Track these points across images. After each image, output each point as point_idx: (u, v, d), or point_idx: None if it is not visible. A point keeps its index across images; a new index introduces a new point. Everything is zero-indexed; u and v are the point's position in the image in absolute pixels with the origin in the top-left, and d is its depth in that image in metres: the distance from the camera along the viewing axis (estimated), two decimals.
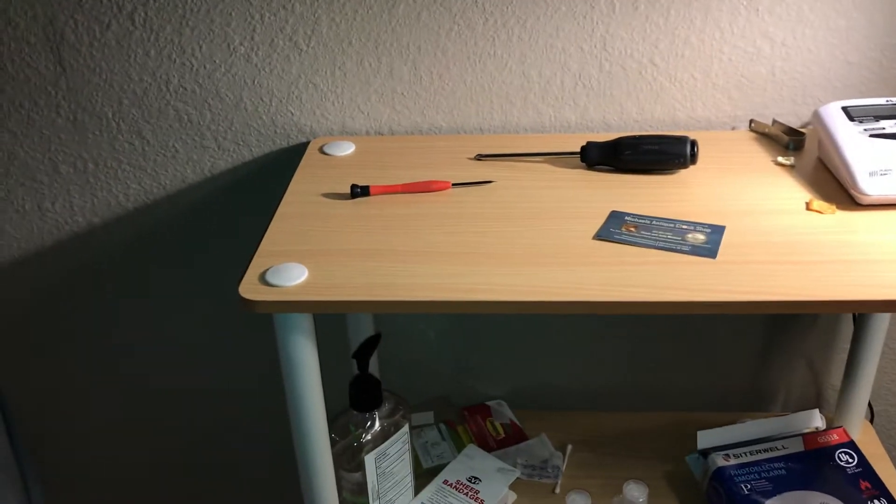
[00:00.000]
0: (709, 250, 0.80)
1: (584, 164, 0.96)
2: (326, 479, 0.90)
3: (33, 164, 1.12)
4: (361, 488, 1.00)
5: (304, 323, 0.79)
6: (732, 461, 1.06)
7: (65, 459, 1.37)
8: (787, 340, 1.21)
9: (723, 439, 1.10)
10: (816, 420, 1.12)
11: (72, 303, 1.22)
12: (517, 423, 1.22)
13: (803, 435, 1.09)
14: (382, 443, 0.99)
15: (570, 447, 1.17)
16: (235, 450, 1.34)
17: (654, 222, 0.85)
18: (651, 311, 0.74)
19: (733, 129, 1.07)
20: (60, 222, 1.16)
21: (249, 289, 0.77)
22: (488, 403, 1.25)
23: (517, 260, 0.80)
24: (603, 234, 0.83)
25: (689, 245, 0.81)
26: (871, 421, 1.22)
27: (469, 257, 0.81)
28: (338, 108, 1.07)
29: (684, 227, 0.84)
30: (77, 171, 1.12)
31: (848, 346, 1.15)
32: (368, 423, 0.99)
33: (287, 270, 0.79)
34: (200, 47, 1.03)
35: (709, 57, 1.02)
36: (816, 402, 1.26)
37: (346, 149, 1.03)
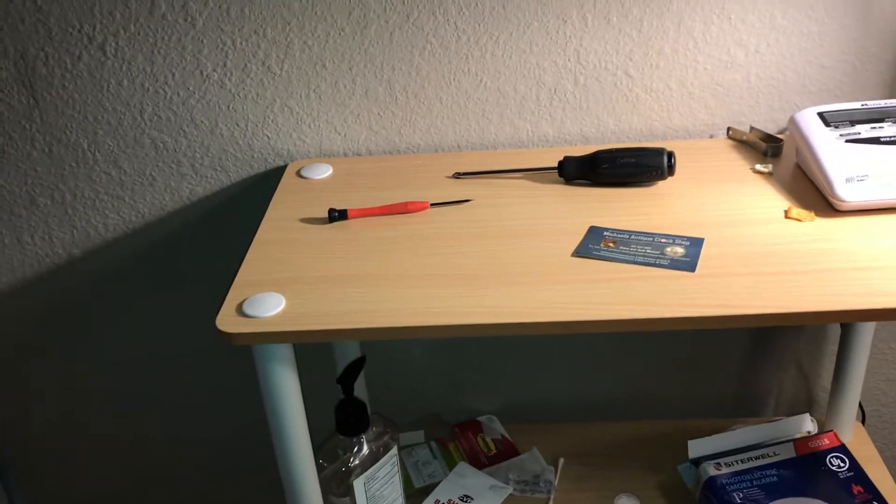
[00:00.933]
0: (688, 264, 0.79)
1: (562, 178, 0.96)
2: None
3: (10, 197, 1.11)
4: None
5: (284, 352, 0.78)
6: (724, 470, 1.05)
7: (55, 494, 1.36)
8: (776, 345, 1.21)
9: (714, 448, 1.09)
10: (807, 424, 1.12)
11: (54, 334, 1.21)
12: (508, 438, 1.21)
13: (794, 440, 1.09)
14: (371, 466, 0.99)
15: (561, 461, 1.17)
16: (222, 478, 1.33)
17: (632, 237, 0.84)
18: (631, 329, 0.73)
19: (711, 137, 1.06)
20: (41, 255, 1.15)
21: (227, 321, 0.76)
22: (479, 419, 1.25)
23: (496, 280, 0.79)
24: (582, 251, 0.83)
25: (668, 259, 0.80)
26: (863, 422, 1.22)
27: (448, 279, 0.80)
28: (314, 131, 1.06)
29: (663, 240, 0.83)
30: (55, 202, 1.12)
31: (836, 348, 1.15)
32: (356, 447, 0.98)
33: (264, 300, 0.78)
34: (173, 75, 1.02)
35: (683, 66, 1.02)
36: (807, 405, 1.26)
37: (323, 171, 1.02)
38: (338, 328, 0.75)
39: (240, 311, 0.77)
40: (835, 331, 1.19)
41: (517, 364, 1.24)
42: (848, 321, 0.80)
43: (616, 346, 1.22)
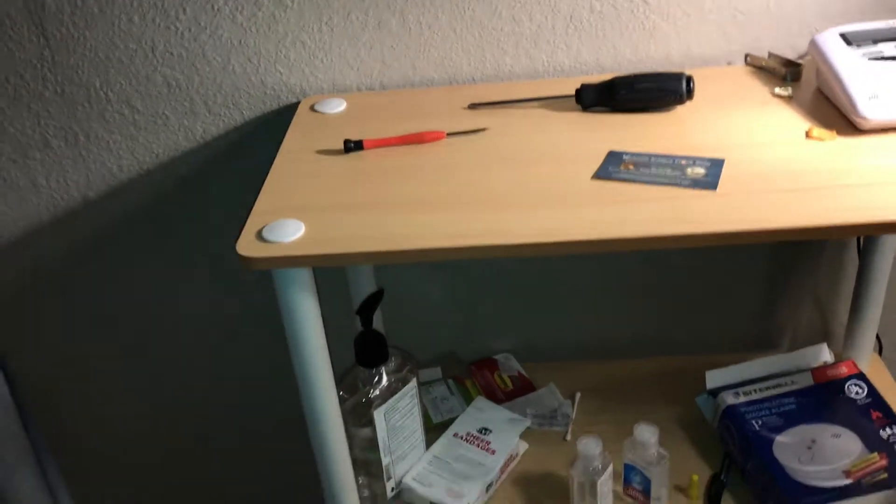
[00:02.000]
0: (709, 183, 0.79)
1: (579, 106, 0.95)
2: (336, 434, 0.90)
3: (24, 139, 1.11)
4: (372, 444, 1.00)
5: (304, 278, 0.78)
6: (742, 399, 1.06)
7: (75, 429, 1.38)
8: (793, 278, 1.21)
9: (732, 378, 1.10)
10: (825, 355, 1.12)
11: (72, 277, 1.22)
12: (525, 374, 1.22)
13: (812, 370, 1.09)
14: (391, 398, 0.99)
15: (578, 395, 1.17)
16: (243, 415, 1.35)
17: (652, 159, 0.84)
18: (655, 247, 0.73)
19: (729, 64, 1.05)
20: (56, 198, 1.15)
21: (247, 246, 0.76)
22: (495, 357, 1.25)
23: (516, 205, 0.79)
24: (602, 174, 0.82)
25: (688, 179, 0.80)
26: (880, 353, 1.22)
27: (467, 205, 0.80)
28: (327, 66, 1.05)
29: (683, 161, 0.83)
30: (69, 144, 1.11)
31: (853, 282, 1.15)
32: (376, 379, 0.99)
33: (284, 226, 0.78)
34: (184, 10, 1.01)
35: None
36: (824, 338, 1.25)
37: (337, 106, 1.02)
38: (358, 251, 0.75)
39: (259, 236, 0.77)
40: (852, 262, 1.18)
41: (533, 303, 1.24)
42: (869, 234, 0.79)
43: (632, 283, 1.22)
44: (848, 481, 0.94)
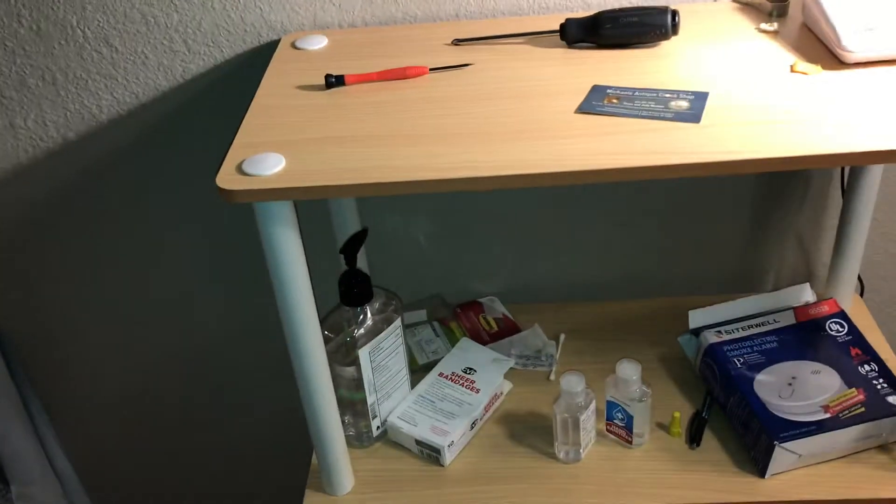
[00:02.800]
0: (692, 115, 0.78)
1: (563, 42, 0.94)
2: (322, 374, 0.90)
3: (0, 79, 1.09)
4: (357, 383, 1.00)
5: (286, 212, 0.78)
6: (725, 337, 1.07)
7: (65, 382, 1.38)
8: (776, 218, 1.21)
9: (714, 317, 1.10)
10: (807, 294, 1.13)
11: (54, 220, 1.21)
12: (510, 316, 1.22)
13: (795, 308, 1.10)
14: (376, 337, 0.99)
15: (562, 336, 1.18)
16: (232, 365, 1.35)
17: (636, 93, 0.83)
18: (637, 177, 0.73)
19: (715, 0, 1.04)
20: (35, 139, 1.14)
21: (227, 179, 0.76)
22: (480, 300, 1.25)
23: (500, 138, 0.78)
24: (585, 108, 0.81)
25: (672, 112, 0.79)
26: (861, 294, 1.23)
27: (451, 138, 0.79)
28: (308, 2, 1.03)
29: (667, 95, 0.82)
30: (46, 83, 1.09)
31: (836, 222, 1.15)
32: (360, 318, 0.99)
33: (264, 160, 0.77)
34: None
35: None
36: (807, 279, 1.26)
37: (318, 42, 1.00)
38: (339, 184, 0.74)
39: (240, 170, 0.76)
40: (835, 203, 1.19)
41: (518, 245, 1.24)
42: (853, 164, 0.78)
43: (615, 224, 1.22)
44: (826, 415, 0.95)
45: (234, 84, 1.09)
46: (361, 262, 1.04)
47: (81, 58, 1.07)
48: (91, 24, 1.05)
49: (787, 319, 1.08)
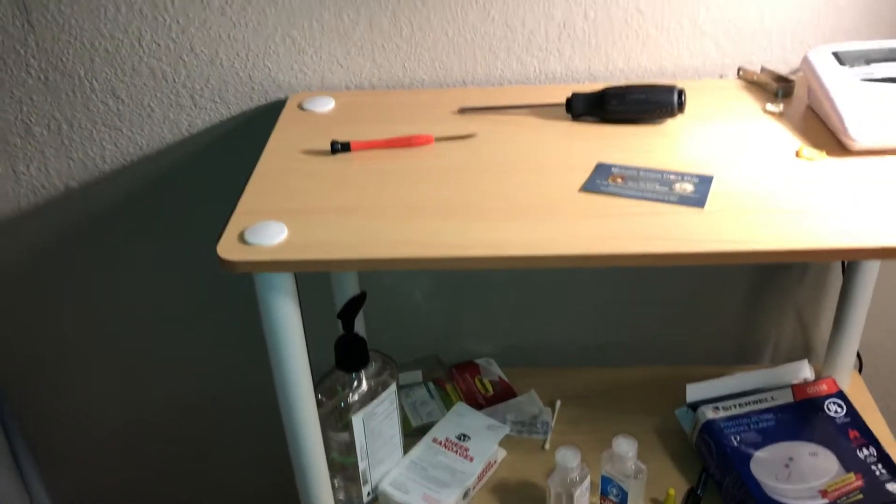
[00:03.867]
0: (697, 200, 0.78)
1: (569, 115, 0.94)
2: (313, 439, 0.89)
3: (5, 126, 1.09)
4: (349, 448, 0.99)
5: (286, 282, 0.77)
6: (722, 413, 1.06)
7: (53, 432, 1.36)
8: (776, 293, 1.21)
9: (712, 392, 1.09)
10: (806, 371, 1.12)
11: (51, 268, 1.20)
12: (506, 379, 1.21)
13: (793, 386, 1.09)
14: (370, 402, 0.98)
15: (558, 403, 1.17)
16: (221, 417, 1.33)
17: (641, 173, 0.83)
18: (640, 263, 0.73)
19: (721, 77, 1.04)
20: (37, 186, 1.13)
21: (228, 248, 0.75)
22: (477, 361, 1.25)
23: (502, 215, 0.78)
24: (590, 187, 0.81)
25: (676, 196, 0.79)
26: (860, 372, 1.22)
27: (453, 213, 0.79)
28: (316, 63, 1.04)
29: (672, 177, 0.82)
30: (51, 132, 1.09)
31: (837, 297, 1.15)
32: (355, 383, 0.98)
33: (266, 229, 0.77)
34: (172, 1, 0.99)
35: (695, 3, 0.99)
36: (805, 354, 1.26)
37: (325, 105, 1.00)
38: (341, 258, 0.74)
39: (241, 239, 0.76)
40: (836, 279, 1.19)
41: (515, 308, 1.24)
42: (856, 259, 0.78)
43: (615, 291, 1.21)
44: (824, 501, 0.94)
45: (238, 140, 1.09)
46: (359, 323, 1.03)
47: (87, 108, 1.08)
48: (99, 76, 1.05)
49: (785, 397, 1.07)
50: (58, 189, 1.14)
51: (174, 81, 1.05)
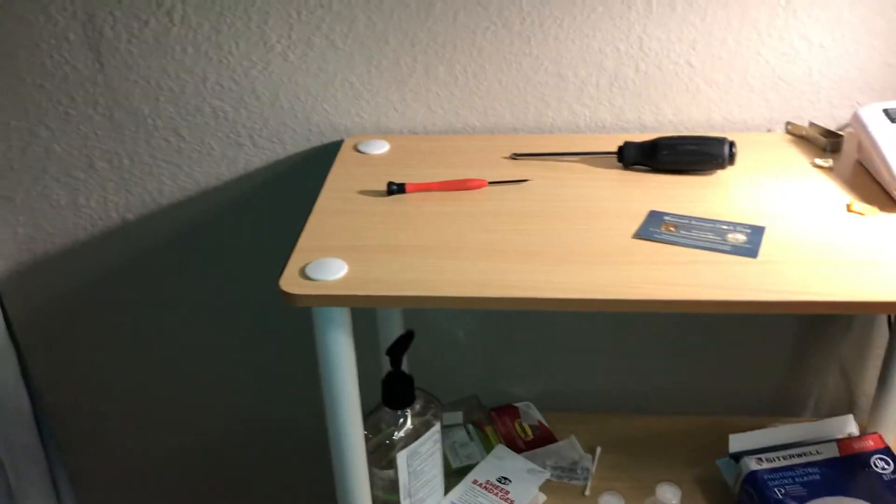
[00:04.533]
0: (749, 250, 0.79)
1: (620, 163, 0.96)
2: (360, 475, 0.90)
3: (69, 159, 1.13)
4: (393, 486, 1.00)
5: (343, 317, 0.79)
6: (765, 465, 1.05)
7: (95, 455, 1.38)
8: (821, 346, 1.20)
9: (755, 443, 1.09)
10: (851, 426, 1.11)
11: (106, 298, 1.23)
12: (546, 424, 1.22)
13: (838, 440, 1.08)
14: (414, 441, 0.99)
15: (599, 449, 1.17)
16: (267, 445, 1.35)
17: (693, 222, 0.84)
18: (693, 310, 0.74)
19: (769, 131, 1.06)
20: (95, 218, 1.17)
21: (290, 282, 0.77)
22: (517, 405, 1.25)
23: (556, 258, 0.80)
24: (642, 234, 0.83)
25: (729, 245, 0.80)
26: None
27: (507, 254, 0.81)
28: (373, 107, 1.07)
29: (724, 227, 0.83)
30: (112, 167, 1.13)
31: (882, 351, 1.14)
32: (401, 421, 0.99)
33: (327, 265, 0.79)
34: (237, 45, 1.03)
35: (745, 58, 1.01)
36: (849, 408, 1.25)
37: (380, 147, 1.03)
38: (400, 294, 0.76)
39: (303, 273, 0.78)
40: (881, 334, 1.18)
41: (557, 353, 1.25)
42: None
43: (658, 338, 1.22)
44: None
45: (293, 179, 1.12)
46: (402, 362, 1.05)
47: (149, 144, 1.11)
48: (162, 115, 1.09)
49: (831, 451, 1.07)
50: (115, 221, 1.17)
51: (234, 121, 1.09)
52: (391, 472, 0.99)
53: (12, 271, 1.21)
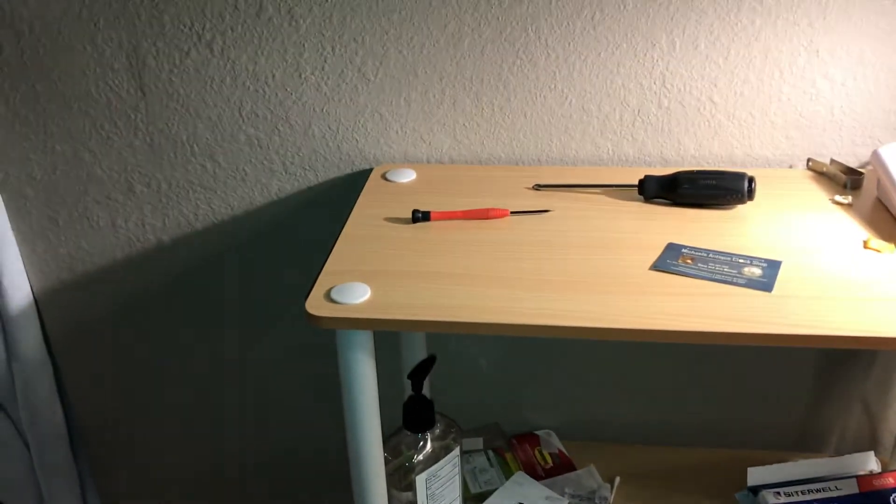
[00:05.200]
0: (765, 284, 0.81)
1: (641, 196, 0.98)
2: (379, 495, 0.92)
3: (110, 182, 1.18)
4: None
5: (366, 341, 0.82)
6: (784, 499, 1.05)
7: (128, 475, 1.42)
8: (843, 381, 1.20)
9: (774, 477, 1.09)
10: (871, 463, 1.11)
11: (141, 316, 1.27)
12: (566, 453, 1.23)
13: (858, 477, 1.08)
14: (433, 464, 1.01)
15: (617, 479, 1.18)
16: (295, 471, 1.37)
17: (710, 255, 0.86)
18: (706, 341, 0.75)
19: (790, 167, 1.07)
20: (132, 238, 1.21)
21: (316, 305, 0.80)
22: (537, 433, 1.26)
23: (576, 287, 0.82)
24: (660, 265, 0.85)
25: (745, 278, 0.82)
26: None
27: (528, 283, 0.83)
28: (401, 137, 1.10)
29: (741, 260, 0.85)
30: (151, 190, 1.18)
31: None
32: (420, 444, 1.01)
33: (351, 289, 0.82)
34: (273, 76, 1.08)
35: (767, 96, 1.03)
36: (870, 445, 1.24)
37: (407, 176, 1.06)
38: (422, 319, 0.78)
39: (328, 296, 0.81)
40: None
41: (579, 382, 1.26)
42: None
43: (678, 371, 1.23)
44: None
45: (323, 205, 1.15)
46: (424, 388, 1.07)
47: (186, 170, 1.16)
48: (200, 141, 1.13)
49: (850, 488, 1.06)
50: (151, 243, 1.22)
51: (268, 149, 1.13)
52: (410, 493, 1.00)
53: (52, 289, 1.26)
